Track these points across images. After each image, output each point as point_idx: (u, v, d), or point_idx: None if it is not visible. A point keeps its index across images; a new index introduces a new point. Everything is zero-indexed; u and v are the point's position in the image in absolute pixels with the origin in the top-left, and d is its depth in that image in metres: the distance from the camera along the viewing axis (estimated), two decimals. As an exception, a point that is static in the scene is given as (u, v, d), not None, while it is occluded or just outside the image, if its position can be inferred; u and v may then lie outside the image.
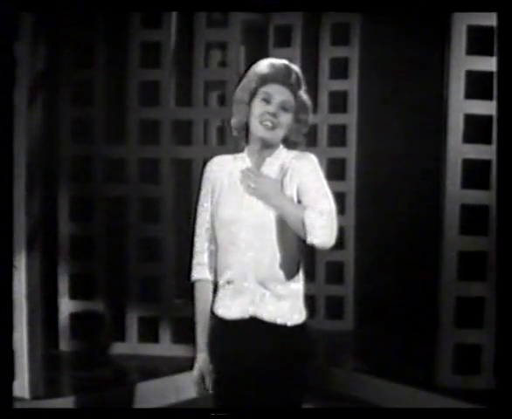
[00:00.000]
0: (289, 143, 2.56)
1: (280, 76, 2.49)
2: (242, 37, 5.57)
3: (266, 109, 2.47)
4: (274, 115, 2.46)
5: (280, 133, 2.50)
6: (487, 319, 4.70)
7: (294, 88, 2.50)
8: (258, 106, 2.49)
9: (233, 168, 2.56)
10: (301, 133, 2.57)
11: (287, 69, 2.51)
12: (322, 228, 2.36)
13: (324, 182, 2.47)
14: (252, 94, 2.51)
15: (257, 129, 2.49)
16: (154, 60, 5.59)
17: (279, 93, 2.48)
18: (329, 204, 2.41)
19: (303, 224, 2.36)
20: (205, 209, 2.61)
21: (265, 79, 2.49)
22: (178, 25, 5.68)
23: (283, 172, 2.49)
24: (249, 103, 2.52)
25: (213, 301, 2.60)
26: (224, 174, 2.58)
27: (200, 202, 2.64)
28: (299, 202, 2.45)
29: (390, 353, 5.69)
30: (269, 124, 2.46)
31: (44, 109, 4.58)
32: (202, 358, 2.61)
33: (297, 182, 2.47)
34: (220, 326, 2.55)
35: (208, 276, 2.61)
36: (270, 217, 2.45)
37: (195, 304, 2.64)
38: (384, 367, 5.30)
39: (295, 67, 2.55)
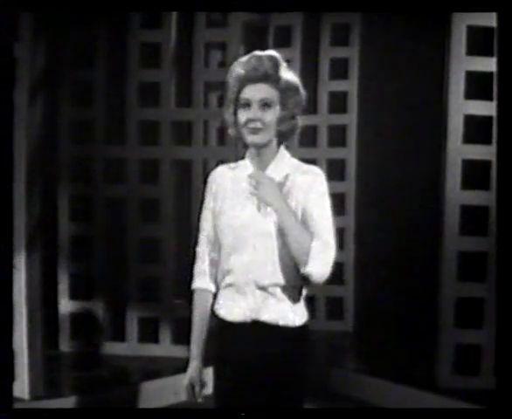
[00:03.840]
0: (283, 134, 2.51)
1: (254, 73, 2.42)
2: (242, 37, 5.57)
3: (248, 116, 2.42)
4: (256, 120, 2.42)
5: (268, 133, 2.45)
6: (487, 319, 4.69)
7: (272, 78, 2.43)
8: (241, 115, 2.45)
9: (235, 175, 2.56)
10: (294, 119, 2.50)
11: (258, 61, 2.43)
12: (324, 263, 2.38)
13: (329, 209, 2.46)
14: (235, 103, 2.47)
15: (245, 137, 2.47)
16: (154, 61, 5.59)
17: (256, 93, 2.42)
18: (333, 240, 2.42)
19: (308, 251, 2.36)
20: (207, 218, 2.60)
21: (242, 82, 2.44)
22: (178, 26, 5.68)
23: (288, 187, 2.47)
24: (235, 113, 2.48)
25: (214, 303, 2.60)
26: (226, 181, 2.56)
27: (203, 212, 2.62)
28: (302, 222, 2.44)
29: (390, 353, 5.69)
30: (255, 130, 2.43)
31: (44, 109, 4.58)
32: (194, 366, 2.61)
33: (302, 204, 2.44)
34: (221, 327, 2.55)
35: (208, 285, 2.61)
36: (272, 223, 2.43)
37: (193, 312, 2.63)
38: (384, 367, 5.30)
39: (267, 52, 2.46)
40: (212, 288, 2.61)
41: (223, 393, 2.56)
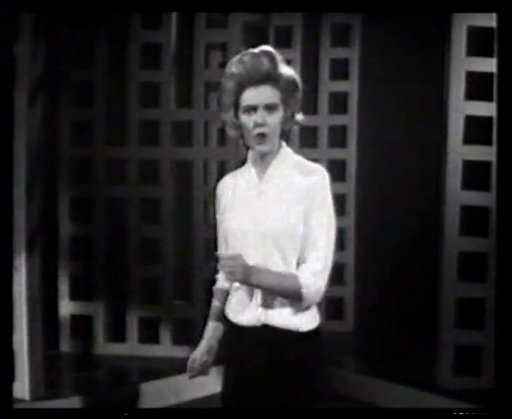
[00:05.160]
0: (284, 133, 2.50)
1: (253, 74, 2.37)
2: (242, 37, 5.57)
3: (254, 120, 2.39)
4: (263, 124, 2.39)
5: (274, 137, 2.45)
6: (487, 319, 4.70)
7: (272, 77, 2.39)
8: (245, 120, 2.41)
9: (238, 181, 2.56)
10: (295, 115, 2.49)
11: (256, 60, 2.38)
12: (317, 289, 2.42)
13: (331, 210, 2.45)
14: (236, 106, 2.44)
15: (252, 144, 2.45)
16: (154, 61, 5.59)
17: (259, 97, 2.38)
18: (325, 258, 2.42)
19: (300, 289, 2.40)
20: (218, 223, 2.64)
21: (241, 84, 2.39)
22: (178, 26, 5.68)
23: (291, 190, 2.45)
24: (236, 115, 2.45)
25: (226, 304, 2.62)
26: (229, 190, 2.57)
27: (216, 218, 2.67)
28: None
29: (390, 354, 5.68)
30: (262, 138, 2.41)
31: (44, 109, 4.58)
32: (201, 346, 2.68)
33: (306, 208, 2.42)
34: (230, 330, 2.56)
35: (222, 285, 2.70)
36: (274, 227, 2.42)
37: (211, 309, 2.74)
38: (385, 367, 5.30)
39: (262, 49, 2.41)
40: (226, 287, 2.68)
41: (230, 394, 2.56)
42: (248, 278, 2.38)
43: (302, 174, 2.46)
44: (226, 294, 2.64)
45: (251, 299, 2.47)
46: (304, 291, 2.39)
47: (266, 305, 2.45)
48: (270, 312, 2.45)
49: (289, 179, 2.46)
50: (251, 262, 2.42)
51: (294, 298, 2.41)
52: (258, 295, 2.46)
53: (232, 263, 2.37)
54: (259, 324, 2.46)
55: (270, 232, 2.41)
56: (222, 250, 2.64)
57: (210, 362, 2.67)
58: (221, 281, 2.72)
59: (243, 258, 2.39)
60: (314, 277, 2.40)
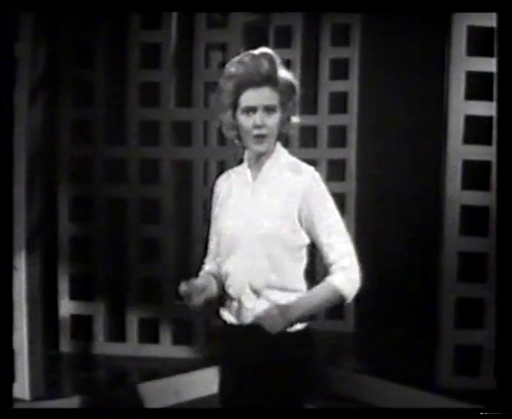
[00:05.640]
0: (281, 135, 2.51)
1: (255, 76, 2.37)
2: (242, 37, 5.56)
3: (253, 122, 2.40)
4: (262, 126, 2.40)
5: (272, 138, 2.45)
6: (487, 319, 4.70)
7: (271, 79, 2.39)
8: (243, 121, 2.42)
9: (234, 180, 2.57)
10: (292, 118, 2.49)
11: (256, 62, 2.38)
12: (353, 282, 2.43)
13: (333, 206, 2.46)
14: (234, 107, 2.44)
15: (250, 145, 2.45)
16: (154, 61, 5.59)
17: (259, 99, 2.39)
18: (347, 247, 2.44)
19: (339, 293, 2.41)
20: (212, 222, 2.63)
21: (240, 85, 2.39)
22: (178, 26, 5.67)
23: (282, 187, 2.45)
24: (234, 116, 2.45)
25: (220, 303, 2.60)
26: (225, 187, 2.58)
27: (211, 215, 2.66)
28: (308, 234, 2.45)
29: (390, 353, 5.68)
30: (260, 139, 2.41)
31: (44, 109, 4.58)
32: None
33: (304, 211, 2.42)
34: (224, 329, 2.55)
35: (208, 269, 2.67)
36: (265, 228, 2.42)
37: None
38: (385, 367, 5.30)
39: (262, 51, 2.42)
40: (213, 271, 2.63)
41: (225, 393, 2.57)
42: (289, 319, 2.38)
43: (292, 171, 2.47)
44: (216, 276, 2.59)
45: (238, 298, 2.47)
46: (344, 293, 2.42)
47: (251, 303, 2.45)
48: (254, 311, 2.44)
49: (281, 179, 2.47)
50: (242, 263, 2.44)
51: (337, 303, 2.45)
52: (244, 294, 2.45)
53: (269, 316, 2.37)
54: (245, 323, 2.46)
55: (258, 235, 2.42)
56: (212, 246, 2.64)
57: (211, 294, 2.52)
58: (207, 266, 2.69)
59: (276, 306, 2.38)
60: (345, 272, 2.42)
